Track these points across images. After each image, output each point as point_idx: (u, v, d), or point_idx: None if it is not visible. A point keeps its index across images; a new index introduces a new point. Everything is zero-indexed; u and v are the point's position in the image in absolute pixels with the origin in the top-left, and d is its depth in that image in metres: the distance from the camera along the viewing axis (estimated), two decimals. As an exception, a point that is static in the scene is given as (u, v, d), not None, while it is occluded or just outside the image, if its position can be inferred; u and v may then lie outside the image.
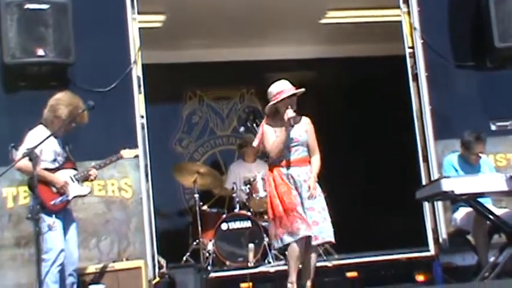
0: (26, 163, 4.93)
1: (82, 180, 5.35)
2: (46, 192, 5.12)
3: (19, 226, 5.83)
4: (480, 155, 6.09)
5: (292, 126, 5.37)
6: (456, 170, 6.09)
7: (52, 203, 5.09)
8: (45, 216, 5.00)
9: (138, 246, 6.14)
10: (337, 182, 8.29)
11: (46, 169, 5.16)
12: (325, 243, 5.49)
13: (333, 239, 5.43)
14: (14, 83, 6.03)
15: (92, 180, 5.44)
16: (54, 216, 5.07)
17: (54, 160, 5.24)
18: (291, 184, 5.38)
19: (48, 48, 5.91)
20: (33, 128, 5.22)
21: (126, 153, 5.57)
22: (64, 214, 5.22)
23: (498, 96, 6.86)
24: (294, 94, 5.43)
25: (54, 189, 5.19)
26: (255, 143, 5.63)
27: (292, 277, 5.40)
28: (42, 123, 5.25)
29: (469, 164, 6.10)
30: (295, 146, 5.46)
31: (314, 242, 5.34)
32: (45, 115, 5.23)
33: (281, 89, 5.45)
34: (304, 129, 5.52)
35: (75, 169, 5.37)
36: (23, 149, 5.08)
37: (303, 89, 5.47)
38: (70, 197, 5.24)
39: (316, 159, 5.56)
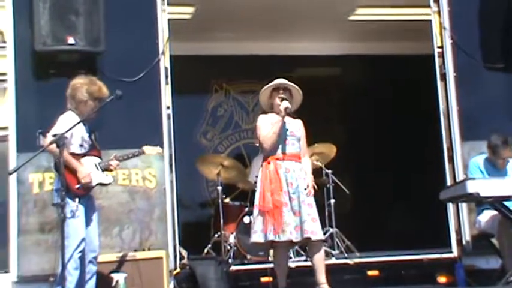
0: (52, 145, 5.02)
1: (104, 169, 5.38)
2: (71, 176, 5.14)
3: (44, 212, 5.88)
4: (508, 159, 6.02)
5: (288, 114, 5.38)
6: (482, 173, 6.03)
7: (77, 186, 5.11)
8: (69, 201, 5.04)
9: (160, 237, 6.16)
10: (361, 181, 8.31)
11: (73, 153, 5.18)
12: (319, 240, 5.36)
13: (323, 237, 5.47)
14: (44, 70, 6.07)
15: (111, 171, 5.45)
16: (77, 201, 5.09)
17: (81, 146, 5.27)
18: (285, 179, 5.32)
19: (78, 36, 5.96)
20: (64, 113, 5.24)
21: (148, 149, 5.59)
22: (87, 200, 5.25)
23: (527, 99, 6.79)
24: (281, 87, 5.44)
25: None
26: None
27: (282, 282, 5.41)
28: (71, 110, 5.29)
29: (496, 168, 6.02)
30: (292, 139, 5.45)
31: (314, 237, 5.25)
32: (69, 106, 5.26)
33: (269, 85, 5.51)
34: (298, 128, 5.53)
35: (99, 157, 5.40)
36: (52, 132, 5.13)
37: (289, 83, 5.47)
38: (93, 184, 5.27)
39: (308, 160, 5.58)
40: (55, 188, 5.20)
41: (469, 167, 6.18)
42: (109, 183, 5.51)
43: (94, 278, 5.25)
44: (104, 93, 5.26)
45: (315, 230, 5.26)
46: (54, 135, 5.05)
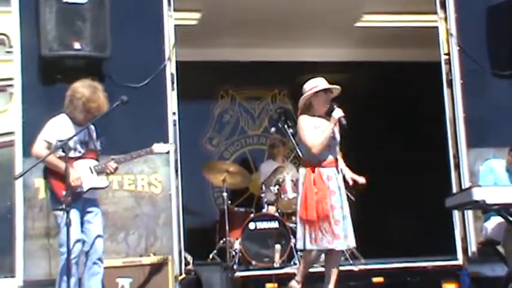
0: (42, 151, 5.02)
1: (100, 173, 5.27)
2: (59, 183, 5.05)
3: (49, 217, 5.82)
4: None
5: (345, 124, 5.28)
6: (494, 176, 5.98)
7: (64, 193, 4.89)
8: (57, 212, 5.02)
9: (165, 242, 6.16)
10: (367, 187, 8.28)
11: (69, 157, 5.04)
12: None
13: (355, 244, 5.44)
14: (51, 75, 6.07)
15: (108, 174, 5.33)
16: (65, 208, 4.84)
17: (75, 149, 5.20)
18: (329, 187, 5.26)
19: (84, 42, 5.96)
20: (56, 116, 5.24)
21: (158, 147, 5.46)
22: (83, 204, 5.18)
23: (534, 106, 6.76)
24: (328, 89, 5.39)
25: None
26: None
27: (299, 277, 5.44)
28: (64, 112, 5.26)
29: (510, 174, 6.00)
30: (334, 144, 5.39)
31: (352, 245, 5.36)
32: (65, 104, 5.23)
33: (316, 84, 5.42)
34: (338, 131, 5.47)
35: (97, 160, 5.31)
36: (42, 136, 5.13)
37: (337, 86, 5.43)
38: (85, 189, 5.16)
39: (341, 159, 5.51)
40: (48, 195, 5.23)
41: (482, 170, 6.14)
42: (105, 187, 5.40)
43: (99, 278, 5.20)
44: (102, 111, 5.16)
45: (353, 239, 5.31)
46: (45, 141, 5.08)
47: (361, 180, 5.47)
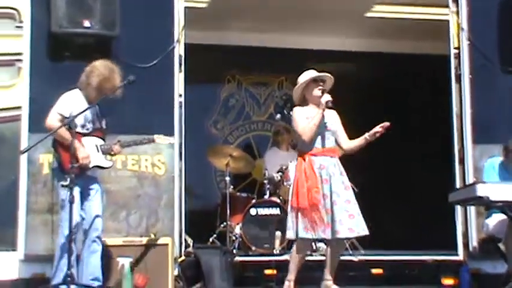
0: (56, 123, 5.05)
1: (105, 152, 5.33)
2: (67, 155, 5.10)
3: (53, 192, 5.88)
4: None
5: (331, 108, 5.31)
6: (496, 173, 5.98)
7: (70, 166, 4.97)
8: (61, 191, 5.06)
9: (166, 223, 6.17)
10: (368, 179, 8.28)
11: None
12: (345, 238, 5.37)
13: (367, 232, 5.33)
14: (59, 52, 6.08)
15: (112, 155, 5.40)
16: (69, 181, 4.90)
17: (83, 126, 5.25)
18: (321, 175, 5.26)
19: (94, 20, 5.97)
20: (70, 91, 5.27)
21: (159, 138, 5.54)
22: (84, 182, 5.21)
23: (543, 104, 6.73)
24: (319, 79, 5.39)
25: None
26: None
27: (292, 275, 5.35)
28: (78, 88, 5.30)
29: (508, 172, 5.99)
30: (327, 133, 5.38)
31: (350, 235, 5.26)
32: (80, 80, 5.28)
33: (306, 76, 5.42)
34: (334, 120, 5.47)
35: (103, 139, 5.37)
36: (55, 110, 5.17)
37: (327, 74, 5.41)
38: (90, 165, 5.21)
39: (352, 142, 5.48)
40: (53, 167, 5.25)
41: (485, 167, 6.14)
42: (108, 167, 5.46)
43: (97, 256, 5.25)
44: (114, 92, 5.22)
45: (352, 227, 5.21)
46: (59, 114, 5.11)
47: (384, 125, 5.38)
